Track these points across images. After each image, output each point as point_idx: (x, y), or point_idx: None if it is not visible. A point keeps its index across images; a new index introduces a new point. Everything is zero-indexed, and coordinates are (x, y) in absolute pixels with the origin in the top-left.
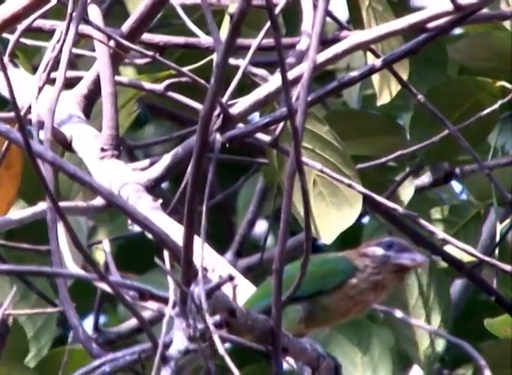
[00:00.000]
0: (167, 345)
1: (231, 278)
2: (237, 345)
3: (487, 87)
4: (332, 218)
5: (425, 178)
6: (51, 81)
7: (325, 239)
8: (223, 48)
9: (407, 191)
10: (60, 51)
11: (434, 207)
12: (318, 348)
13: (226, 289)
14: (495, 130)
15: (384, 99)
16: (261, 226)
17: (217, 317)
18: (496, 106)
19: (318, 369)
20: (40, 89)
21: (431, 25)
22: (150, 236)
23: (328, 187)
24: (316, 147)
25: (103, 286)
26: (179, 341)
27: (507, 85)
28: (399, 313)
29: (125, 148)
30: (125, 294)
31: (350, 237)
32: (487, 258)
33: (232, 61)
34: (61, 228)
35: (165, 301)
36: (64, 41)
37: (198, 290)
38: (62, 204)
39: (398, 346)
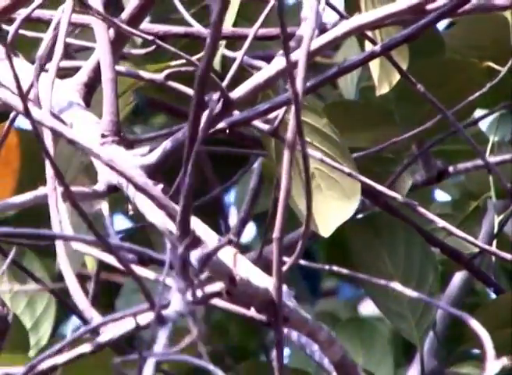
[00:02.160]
0: (164, 306)
1: (230, 241)
2: (236, 314)
3: (473, 68)
4: (330, 211)
5: (418, 176)
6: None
7: (323, 232)
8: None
9: (404, 182)
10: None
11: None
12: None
13: (226, 257)
14: (492, 123)
15: (383, 89)
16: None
17: (216, 284)
18: (485, 89)
19: (319, 341)
20: (42, 68)
21: (430, 7)
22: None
23: (326, 180)
24: (315, 140)
25: (101, 255)
26: (176, 302)
27: (495, 66)
28: (398, 286)
29: (125, 143)
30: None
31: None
32: (487, 247)
33: (229, 53)
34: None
35: (163, 264)
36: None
37: (195, 252)
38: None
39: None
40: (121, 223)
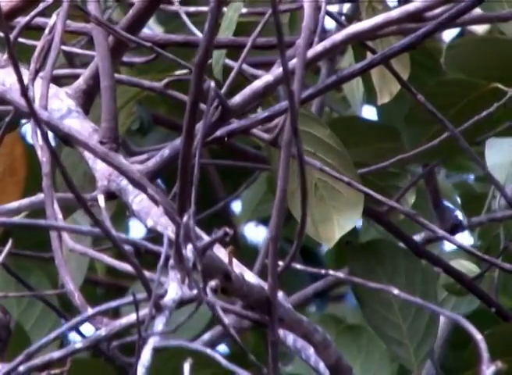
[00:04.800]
0: (162, 295)
1: (226, 234)
2: (231, 313)
3: (479, 89)
4: (333, 222)
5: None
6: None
7: (325, 243)
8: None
9: (407, 198)
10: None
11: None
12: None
13: (221, 254)
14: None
15: (384, 98)
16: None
17: (212, 282)
18: (492, 109)
19: (314, 343)
20: (37, 71)
21: (429, 14)
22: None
23: (329, 190)
24: (317, 150)
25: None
26: (173, 290)
27: (502, 87)
28: (395, 290)
29: (129, 154)
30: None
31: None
32: (487, 257)
33: (228, 62)
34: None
35: (159, 255)
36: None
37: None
38: (58, 195)
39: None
40: None
